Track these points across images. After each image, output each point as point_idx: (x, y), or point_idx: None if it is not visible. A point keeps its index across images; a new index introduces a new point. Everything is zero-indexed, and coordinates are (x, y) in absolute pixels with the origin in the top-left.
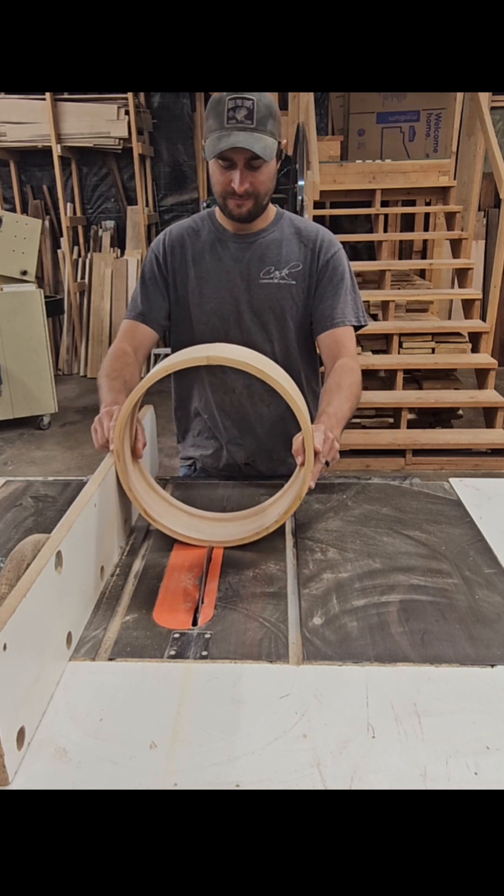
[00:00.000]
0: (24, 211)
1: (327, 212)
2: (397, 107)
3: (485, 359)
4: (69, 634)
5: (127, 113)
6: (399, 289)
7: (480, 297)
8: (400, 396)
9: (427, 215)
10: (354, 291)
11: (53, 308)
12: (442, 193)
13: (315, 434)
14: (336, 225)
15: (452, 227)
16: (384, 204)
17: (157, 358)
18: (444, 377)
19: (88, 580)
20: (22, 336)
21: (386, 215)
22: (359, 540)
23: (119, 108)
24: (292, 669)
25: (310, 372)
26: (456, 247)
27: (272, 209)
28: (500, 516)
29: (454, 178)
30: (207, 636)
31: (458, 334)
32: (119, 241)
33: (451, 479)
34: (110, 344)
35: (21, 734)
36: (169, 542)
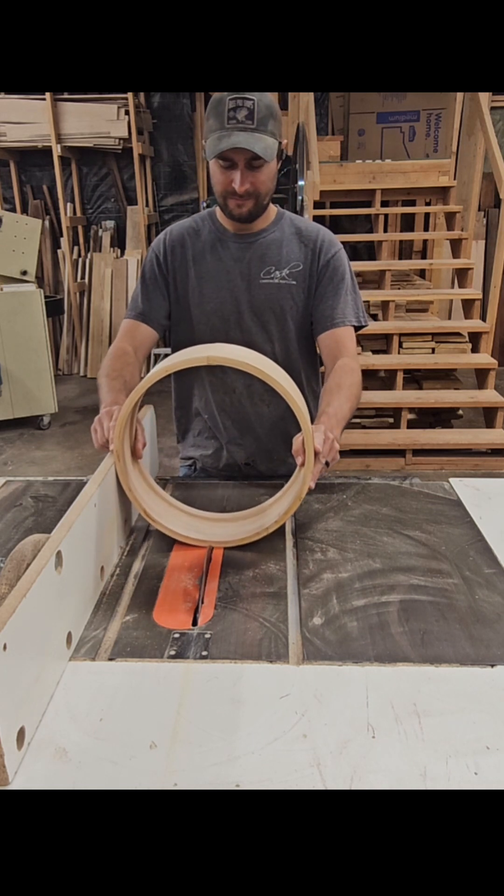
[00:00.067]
0: (24, 211)
1: (327, 212)
2: (397, 107)
3: (485, 359)
4: (69, 634)
5: (127, 113)
6: (399, 289)
7: (480, 297)
8: (400, 396)
9: (427, 215)
10: (355, 292)
11: (53, 308)
12: (442, 193)
13: (315, 434)
14: (336, 225)
15: (452, 227)
16: (384, 204)
17: (157, 358)
18: (444, 377)
19: (88, 580)
20: (22, 336)
21: (386, 215)
22: (359, 540)
23: (119, 108)
24: (292, 669)
25: (310, 372)
26: (456, 247)
27: (273, 209)
28: (500, 516)
29: (454, 178)
30: (207, 636)
31: (458, 334)
32: (119, 241)
33: (451, 479)
34: (110, 344)
35: (21, 734)
36: (169, 543)
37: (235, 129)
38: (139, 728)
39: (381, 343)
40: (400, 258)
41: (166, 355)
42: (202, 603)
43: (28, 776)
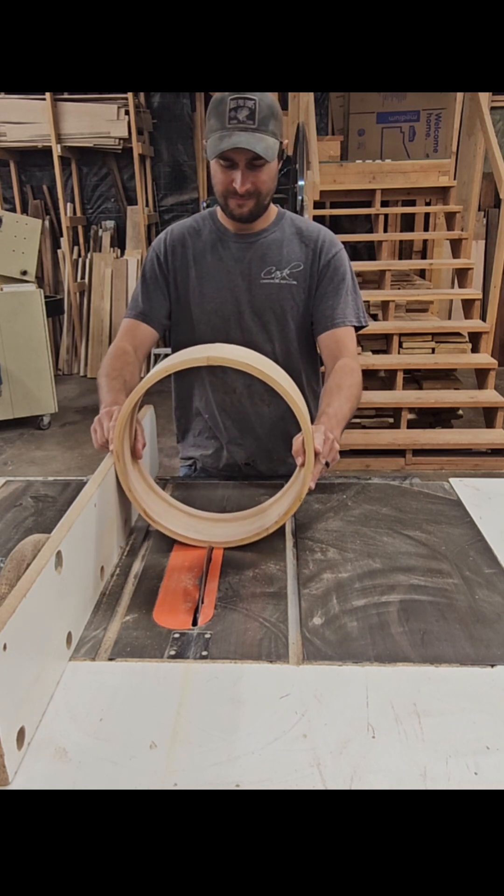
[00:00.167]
0: (24, 211)
1: (327, 212)
2: (397, 107)
3: (485, 359)
4: (69, 634)
5: (127, 113)
6: (399, 289)
7: (480, 297)
8: (400, 396)
9: (427, 215)
10: (355, 292)
11: (53, 308)
12: (442, 193)
13: (315, 435)
14: (336, 225)
15: (452, 227)
16: (384, 204)
17: (157, 358)
18: (444, 377)
19: (88, 580)
20: (22, 336)
21: (386, 215)
22: (359, 540)
23: (119, 108)
24: (292, 669)
25: (310, 372)
26: (456, 247)
27: (273, 209)
28: (500, 516)
29: (454, 178)
30: (207, 636)
31: (458, 334)
32: (119, 241)
33: (451, 479)
34: (110, 344)
35: (21, 734)
36: (169, 543)
37: (236, 129)
38: (139, 728)
39: (381, 343)
40: (400, 258)
41: (166, 355)
42: (202, 603)
43: (28, 776)
